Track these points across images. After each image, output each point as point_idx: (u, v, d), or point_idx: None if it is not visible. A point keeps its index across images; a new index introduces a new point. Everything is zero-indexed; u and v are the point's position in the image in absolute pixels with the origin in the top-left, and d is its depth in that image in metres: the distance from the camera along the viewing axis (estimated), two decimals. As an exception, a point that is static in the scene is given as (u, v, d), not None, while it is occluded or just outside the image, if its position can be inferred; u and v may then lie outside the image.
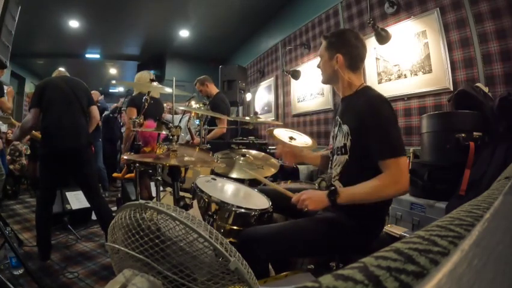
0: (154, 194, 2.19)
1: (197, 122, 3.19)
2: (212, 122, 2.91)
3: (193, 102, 2.31)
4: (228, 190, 1.49)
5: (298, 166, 2.92)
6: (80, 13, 4.75)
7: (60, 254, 2.19)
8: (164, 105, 4.25)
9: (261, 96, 5.30)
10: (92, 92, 2.52)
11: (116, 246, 0.72)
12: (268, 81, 5.02)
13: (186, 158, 1.41)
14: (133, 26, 5.35)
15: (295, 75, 3.84)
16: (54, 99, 2.04)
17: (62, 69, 2.41)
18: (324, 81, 1.32)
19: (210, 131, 2.86)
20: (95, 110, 2.29)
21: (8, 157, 4.10)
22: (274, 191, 1.34)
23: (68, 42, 5.82)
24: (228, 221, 1.20)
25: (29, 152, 4.53)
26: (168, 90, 1.80)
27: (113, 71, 7.84)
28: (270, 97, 4.96)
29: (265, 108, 5.14)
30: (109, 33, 5.65)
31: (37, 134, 2.39)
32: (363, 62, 1.26)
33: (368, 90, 1.22)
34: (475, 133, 1.57)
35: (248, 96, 5.29)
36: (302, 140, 2.10)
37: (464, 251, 0.15)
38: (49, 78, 2.20)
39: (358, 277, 0.21)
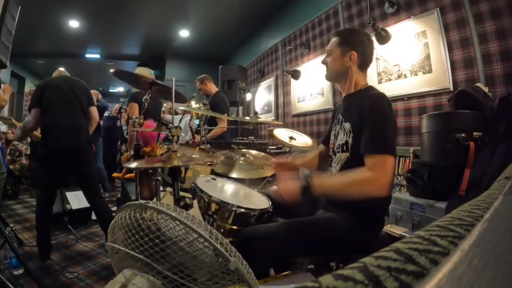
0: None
1: (197, 122, 3.19)
2: (212, 122, 2.91)
3: (193, 102, 2.31)
4: (228, 190, 1.49)
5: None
6: (80, 13, 4.75)
7: (60, 254, 2.19)
8: (164, 105, 4.26)
9: (261, 96, 5.30)
10: (92, 91, 2.52)
11: (116, 246, 0.72)
12: (268, 81, 5.02)
13: (186, 158, 1.41)
14: (133, 26, 5.35)
15: (295, 75, 3.84)
16: (54, 99, 2.04)
17: (62, 69, 2.41)
18: (330, 78, 1.31)
19: (210, 130, 2.86)
20: (94, 110, 2.29)
21: (8, 157, 4.11)
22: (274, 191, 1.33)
23: (68, 42, 5.81)
24: (228, 221, 1.20)
25: (29, 151, 4.53)
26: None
27: (113, 71, 7.84)
28: (270, 97, 4.96)
29: (265, 108, 5.14)
30: (109, 33, 5.65)
31: (37, 134, 2.39)
32: (370, 63, 1.28)
33: (371, 89, 1.23)
34: (475, 133, 1.57)
35: (248, 96, 5.29)
36: (302, 140, 2.10)
37: (464, 251, 0.15)
38: (49, 78, 2.20)
39: (358, 277, 0.21)
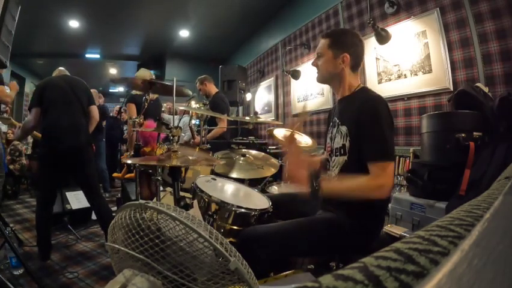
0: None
1: (197, 122, 3.20)
2: (212, 122, 2.92)
3: (193, 102, 2.31)
4: (228, 190, 1.49)
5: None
6: (80, 13, 4.75)
7: (60, 254, 2.19)
8: (164, 105, 4.26)
9: (261, 96, 5.30)
10: (92, 90, 2.51)
11: (116, 246, 0.72)
12: (268, 81, 5.02)
13: (186, 158, 1.41)
14: (133, 26, 5.35)
15: (295, 75, 3.84)
16: (54, 99, 2.04)
17: (62, 68, 2.40)
18: (322, 80, 1.29)
19: (209, 131, 2.87)
20: (94, 109, 2.28)
21: (8, 157, 4.10)
22: (274, 194, 1.34)
23: (68, 42, 5.82)
24: (228, 221, 1.20)
25: (29, 151, 4.53)
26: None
27: (113, 71, 7.84)
28: (270, 97, 4.96)
29: (265, 108, 5.14)
30: (109, 33, 5.65)
31: (37, 133, 2.39)
32: (361, 63, 1.27)
33: (366, 91, 1.22)
34: (475, 133, 1.57)
35: (248, 96, 5.29)
36: (302, 140, 2.10)
37: (464, 251, 0.15)
38: (49, 78, 2.20)
39: (358, 277, 0.21)
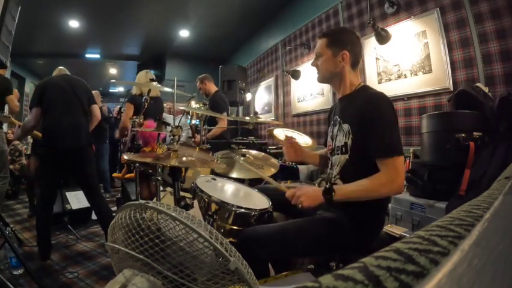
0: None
1: (197, 122, 3.20)
2: (212, 121, 2.92)
3: (193, 102, 2.31)
4: (228, 190, 1.49)
5: (299, 166, 2.92)
6: (80, 13, 4.75)
7: (60, 254, 2.19)
8: (164, 105, 4.26)
9: (261, 96, 5.30)
10: (93, 92, 2.51)
11: (116, 246, 0.72)
12: (268, 81, 5.02)
13: (186, 158, 1.41)
14: (133, 26, 5.35)
15: (295, 75, 3.84)
16: (54, 99, 2.04)
17: (62, 67, 2.40)
18: (322, 80, 1.29)
19: (209, 130, 2.87)
20: (96, 108, 2.28)
21: (8, 157, 4.10)
22: (275, 190, 1.34)
23: (68, 42, 5.81)
24: (228, 221, 1.20)
25: (29, 151, 4.53)
26: (168, 90, 1.80)
27: (113, 71, 7.85)
28: (270, 97, 4.96)
29: (265, 108, 5.14)
30: (109, 33, 5.65)
31: (38, 133, 2.39)
32: (361, 61, 1.27)
33: (368, 89, 1.22)
34: (475, 133, 1.57)
35: (248, 96, 5.29)
36: (302, 140, 2.10)
37: (464, 251, 0.15)
38: (50, 78, 2.20)
39: (358, 277, 0.21)
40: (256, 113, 4.71)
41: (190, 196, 1.55)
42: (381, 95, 1.14)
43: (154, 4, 4.52)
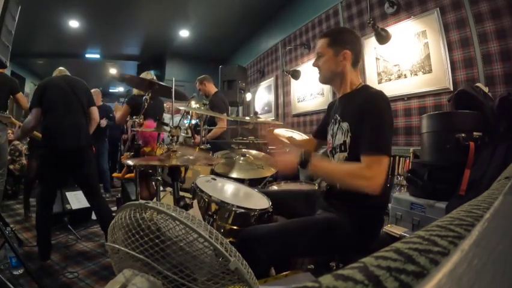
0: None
1: (191, 121, 3.20)
2: (211, 122, 2.92)
3: (193, 102, 2.31)
4: (228, 190, 1.49)
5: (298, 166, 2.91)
6: (80, 13, 4.75)
7: (60, 254, 2.19)
8: (164, 104, 4.25)
9: (261, 96, 5.30)
10: (92, 90, 2.52)
11: (116, 246, 0.72)
12: (268, 81, 5.02)
13: (186, 158, 1.41)
14: (133, 26, 5.35)
15: (295, 75, 3.84)
16: (55, 99, 2.04)
17: (62, 68, 2.40)
18: (325, 80, 1.29)
19: (209, 130, 2.87)
20: (95, 111, 2.27)
21: (8, 157, 4.10)
22: (275, 191, 1.34)
23: (68, 42, 5.82)
24: (228, 221, 1.20)
25: (27, 151, 4.53)
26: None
27: (113, 71, 7.85)
28: (270, 97, 4.96)
29: (265, 108, 5.14)
30: (109, 33, 5.65)
31: (37, 134, 2.39)
32: (361, 59, 1.28)
33: (368, 88, 1.23)
34: (475, 133, 1.57)
35: (248, 96, 5.29)
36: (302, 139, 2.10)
37: (464, 251, 0.15)
38: (50, 78, 2.20)
39: (358, 277, 0.21)
40: (256, 113, 4.71)
41: (190, 196, 1.55)
42: (380, 94, 1.15)
43: (154, 4, 4.52)
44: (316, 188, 1.44)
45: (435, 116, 1.80)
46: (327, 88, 3.52)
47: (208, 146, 2.17)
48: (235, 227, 1.19)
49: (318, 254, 1.26)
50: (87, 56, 6.83)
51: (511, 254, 0.14)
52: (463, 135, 1.56)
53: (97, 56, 6.90)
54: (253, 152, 2.07)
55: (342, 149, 1.18)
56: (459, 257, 0.15)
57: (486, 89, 1.82)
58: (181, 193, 1.47)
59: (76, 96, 2.12)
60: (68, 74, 2.36)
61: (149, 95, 1.83)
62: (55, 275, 1.87)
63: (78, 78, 2.28)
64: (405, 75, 2.55)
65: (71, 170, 2.11)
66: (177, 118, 3.46)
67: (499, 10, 1.90)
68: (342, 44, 1.20)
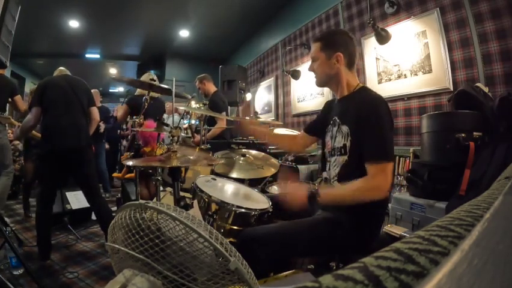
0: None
1: (190, 121, 3.21)
2: (211, 121, 2.92)
3: (193, 102, 2.31)
4: (228, 190, 1.49)
5: (298, 166, 2.92)
6: (80, 13, 4.75)
7: (60, 254, 2.19)
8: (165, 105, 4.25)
9: (261, 96, 5.30)
10: (92, 90, 2.52)
11: (116, 246, 0.72)
12: (268, 81, 5.02)
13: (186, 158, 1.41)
14: (133, 26, 5.35)
15: (295, 75, 3.84)
16: (55, 99, 2.04)
17: (63, 68, 2.40)
18: (320, 84, 1.30)
19: (209, 130, 2.87)
20: (95, 111, 2.27)
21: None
22: (274, 194, 1.34)
23: (68, 42, 5.81)
24: (228, 221, 1.20)
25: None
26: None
27: (113, 71, 7.85)
28: (270, 97, 4.96)
29: (265, 108, 5.14)
30: (109, 33, 5.65)
31: (36, 133, 2.39)
32: (356, 61, 1.28)
33: (366, 91, 1.23)
34: (475, 133, 1.57)
35: (248, 96, 5.28)
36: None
37: (464, 251, 0.15)
38: (50, 77, 2.20)
39: (358, 277, 0.21)
40: (256, 113, 4.71)
41: (190, 196, 1.55)
42: (380, 99, 1.15)
43: (154, 4, 4.52)
44: (317, 188, 1.44)
45: (436, 116, 1.80)
46: (327, 88, 3.52)
47: (208, 146, 2.17)
48: (235, 227, 1.20)
49: (318, 254, 1.26)
50: (87, 56, 6.83)
51: (511, 254, 0.14)
52: (463, 135, 1.56)
53: (97, 56, 6.90)
54: (253, 152, 2.07)
55: (343, 152, 1.18)
56: (459, 257, 0.15)
57: (486, 89, 1.82)
58: (181, 193, 1.47)
59: (76, 96, 2.12)
60: (69, 73, 2.35)
61: (150, 95, 1.83)
62: (55, 275, 1.87)
63: (78, 77, 2.27)
64: (405, 75, 2.55)
65: (71, 170, 2.11)
66: (176, 118, 3.47)
67: (499, 10, 1.90)
68: (334, 47, 1.21)
